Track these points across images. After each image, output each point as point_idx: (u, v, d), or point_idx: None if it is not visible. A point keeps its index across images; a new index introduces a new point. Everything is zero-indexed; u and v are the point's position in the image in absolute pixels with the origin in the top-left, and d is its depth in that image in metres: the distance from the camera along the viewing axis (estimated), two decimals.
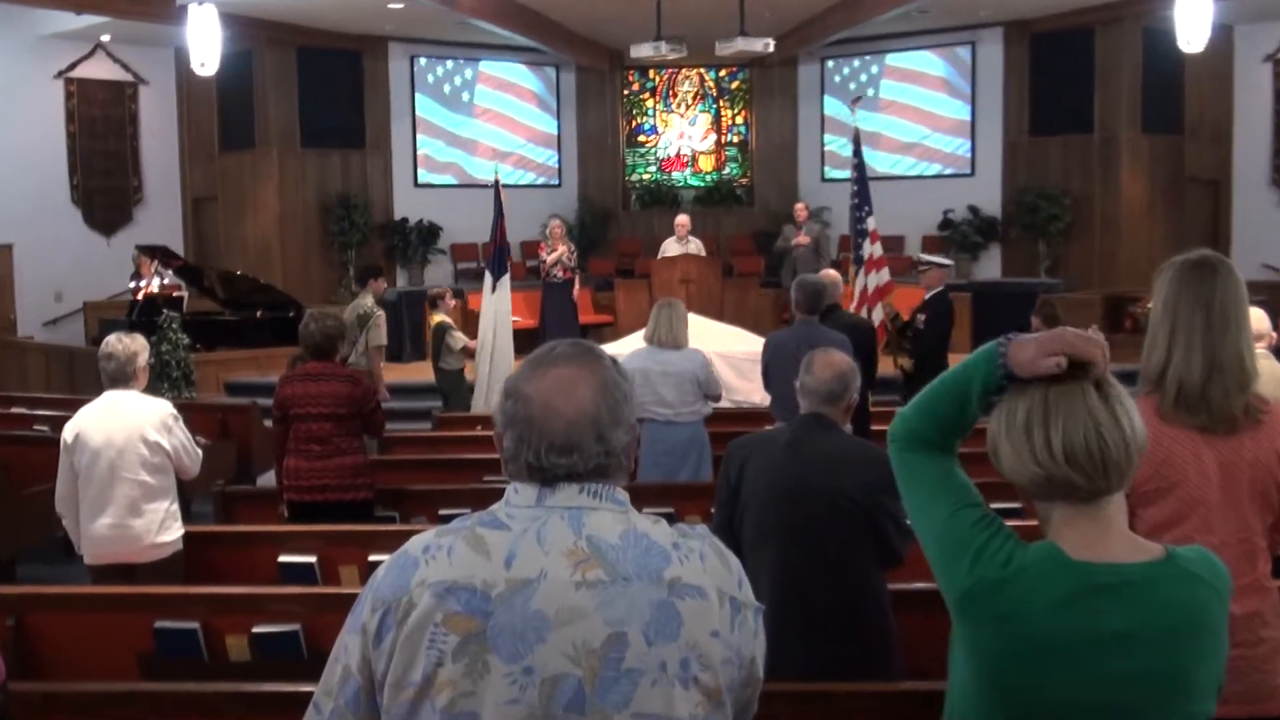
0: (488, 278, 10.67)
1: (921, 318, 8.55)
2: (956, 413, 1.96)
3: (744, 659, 1.76)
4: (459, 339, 10.02)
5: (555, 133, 18.22)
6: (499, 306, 10.46)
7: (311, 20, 15.43)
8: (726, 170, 18.54)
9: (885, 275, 9.44)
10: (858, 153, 9.74)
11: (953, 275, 16.07)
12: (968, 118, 16.66)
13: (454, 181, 17.39)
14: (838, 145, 17.67)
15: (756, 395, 8.92)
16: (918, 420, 2.00)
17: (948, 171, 16.86)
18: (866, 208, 9.54)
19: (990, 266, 16.41)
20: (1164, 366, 2.68)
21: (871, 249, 9.46)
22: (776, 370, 6.58)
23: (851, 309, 9.52)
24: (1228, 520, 2.62)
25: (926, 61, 16.97)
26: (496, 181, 11.26)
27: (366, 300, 9.39)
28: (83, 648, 4.32)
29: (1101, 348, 1.84)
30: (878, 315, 9.29)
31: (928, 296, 8.59)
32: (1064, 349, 1.83)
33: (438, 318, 10.04)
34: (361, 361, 9.15)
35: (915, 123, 17.07)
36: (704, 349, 7.02)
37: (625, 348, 10.76)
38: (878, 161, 17.32)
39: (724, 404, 8.26)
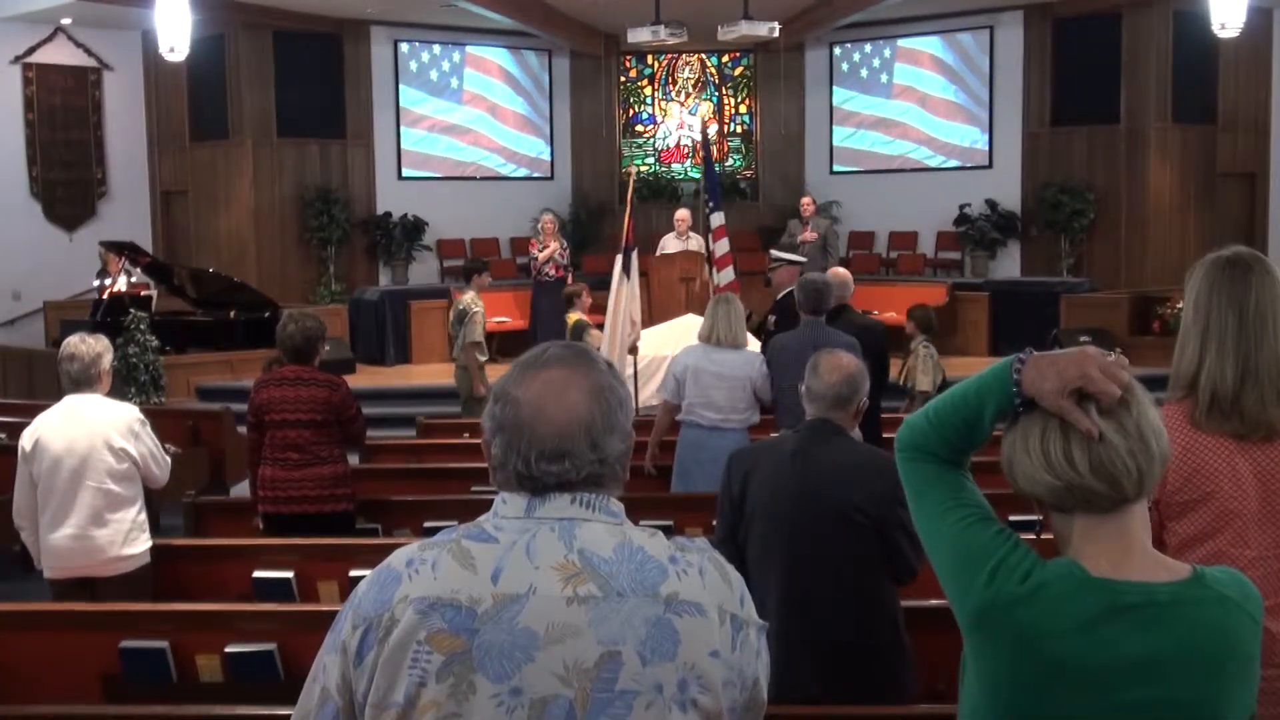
0: (617, 267, 10.74)
1: (772, 319, 8.51)
2: (966, 433, 1.96)
3: (746, 680, 1.76)
4: (597, 337, 10.14)
5: (547, 122, 18.22)
6: (629, 305, 10.53)
7: (288, 3, 15.43)
8: (729, 162, 18.54)
9: (730, 274, 9.52)
10: (705, 146, 9.89)
11: (966, 274, 16.27)
12: (985, 107, 16.67)
13: (440, 174, 17.38)
14: (844, 137, 17.71)
15: None
16: (926, 434, 2.00)
17: (968, 164, 16.85)
18: (712, 203, 9.65)
19: (1009, 265, 16.42)
20: (1196, 371, 2.68)
21: (715, 246, 9.57)
22: (779, 375, 6.57)
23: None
24: (1265, 533, 2.62)
25: (940, 47, 16.99)
26: (630, 174, 11.33)
27: (467, 295, 9.83)
28: (43, 668, 4.31)
29: (1126, 384, 1.83)
30: None
31: (778, 297, 8.55)
32: (1085, 384, 1.81)
33: (575, 316, 10.16)
34: (463, 358, 9.78)
35: (929, 112, 17.09)
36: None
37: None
38: (891, 150, 17.37)
39: None
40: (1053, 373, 1.83)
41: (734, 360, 6.62)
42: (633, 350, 9.74)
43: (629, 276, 10.38)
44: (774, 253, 9.08)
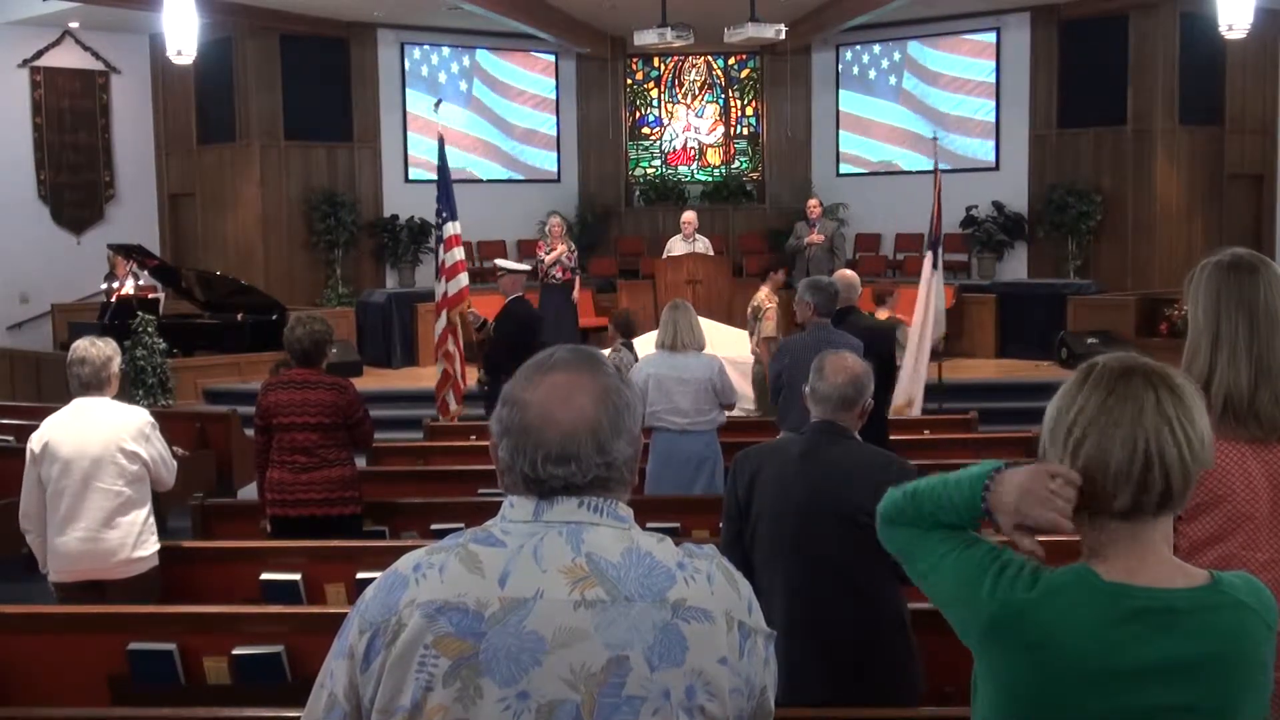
0: (927, 263, 10.73)
1: (492, 324, 8.88)
2: (939, 523, 1.99)
3: (754, 688, 1.76)
4: (908, 333, 10.18)
5: (554, 124, 18.21)
6: (938, 301, 10.52)
7: (295, 6, 15.45)
8: (736, 164, 18.55)
9: (462, 281, 9.54)
10: (441, 155, 9.85)
11: (973, 275, 16.24)
12: (992, 109, 16.64)
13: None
14: (853, 145, 17.67)
15: None
16: (905, 512, 2.04)
17: (975, 166, 16.81)
18: (446, 213, 9.62)
19: (1016, 267, 16.40)
20: (1208, 377, 2.66)
21: (445, 256, 9.56)
22: (787, 378, 6.57)
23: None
24: (1276, 537, 2.61)
25: (948, 50, 16.96)
26: (936, 168, 11.76)
27: (761, 293, 10.23)
28: (50, 670, 4.32)
29: (1063, 507, 1.83)
30: (442, 323, 9.46)
31: (506, 304, 8.86)
32: (1023, 520, 1.85)
33: (884, 314, 10.13)
34: (758, 352, 10.18)
35: (935, 113, 17.06)
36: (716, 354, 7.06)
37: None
38: (899, 157, 17.35)
39: (734, 413, 8.26)
40: (1006, 519, 1.89)
41: (693, 364, 6.79)
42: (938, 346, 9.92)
43: (938, 270, 10.43)
44: (498, 262, 9.57)
